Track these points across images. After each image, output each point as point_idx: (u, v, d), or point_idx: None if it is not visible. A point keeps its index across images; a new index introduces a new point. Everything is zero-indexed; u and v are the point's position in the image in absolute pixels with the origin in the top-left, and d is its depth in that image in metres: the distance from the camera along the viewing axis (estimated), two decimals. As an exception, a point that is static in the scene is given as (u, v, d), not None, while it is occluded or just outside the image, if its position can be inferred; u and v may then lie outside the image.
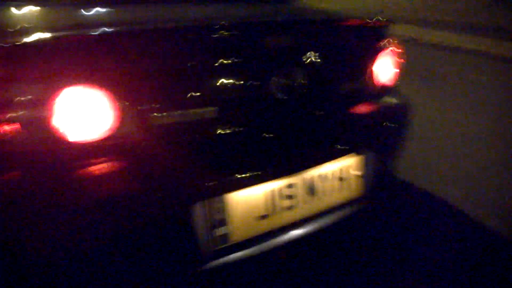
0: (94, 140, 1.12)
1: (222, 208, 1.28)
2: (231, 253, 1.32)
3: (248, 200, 1.32)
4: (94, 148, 1.12)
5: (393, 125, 1.73)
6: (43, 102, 1.06)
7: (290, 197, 1.41)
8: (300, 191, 1.43)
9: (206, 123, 1.26)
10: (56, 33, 1.10)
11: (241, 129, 1.33)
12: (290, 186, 1.41)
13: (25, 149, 1.08)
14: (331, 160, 1.49)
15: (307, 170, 1.43)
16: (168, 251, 1.24)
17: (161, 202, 1.18)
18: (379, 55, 1.70)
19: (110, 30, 1.16)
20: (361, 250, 1.74)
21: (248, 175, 1.30)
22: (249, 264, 1.37)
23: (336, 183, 1.53)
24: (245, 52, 1.32)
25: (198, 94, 1.23)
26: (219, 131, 1.29)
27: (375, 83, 1.72)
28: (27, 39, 1.07)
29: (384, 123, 1.70)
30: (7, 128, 1.06)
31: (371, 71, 1.69)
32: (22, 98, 1.06)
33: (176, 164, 1.21)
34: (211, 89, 1.26)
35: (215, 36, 1.26)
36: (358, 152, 1.57)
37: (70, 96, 1.08)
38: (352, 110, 1.63)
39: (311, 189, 1.46)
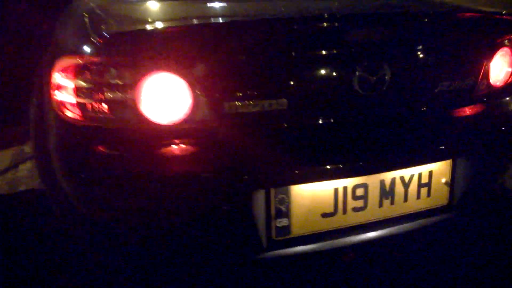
0: (172, 123, 1.18)
1: (286, 199, 1.25)
2: (291, 246, 1.29)
3: (315, 195, 1.27)
4: (171, 130, 1.19)
5: (499, 130, 1.50)
6: (132, 85, 1.14)
7: (361, 197, 1.32)
8: (374, 193, 1.33)
9: (280, 114, 1.23)
10: (147, 25, 1.21)
11: (316, 122, 1.27)
12: (363, 186, 1.32)
13: (113, 126, 1.19)
14: (414, 165, 1.35)
15: (385, 172, 1.32)
16: (228, 234, 1.26)
17: (226, 185, 1.20)
18: (495, 52, 1.48)
19: (193, 23, 1.22)
20: (436, 266, 1.57)
21: (317, 169, 1.25)
22: (308, 260, 1.33)
23: (418, 188, 1.39)
24: (332, 45, 1.25)
25: (276, 86, 1.22)
26: (292, 123, 1.25)
27: (485, 83, 1.50)
28: (122, 29, 1.18)
29: (488, 128, 1.49)
30: (99, 106, 1.17)
31: (482, 71, 1.48)
32: (115, 81, 1.16)
33: (244, 151, 1.22)
34: (290, 80, 1.23)
35: (300, 28, 1.23)
36: (448, 158, 1.40)
37: (155, 82, 1.15)
38: (448, 112, 1.45)
39: (387, 193, 1.35)
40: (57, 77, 1.22)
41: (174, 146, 1.19)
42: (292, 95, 1.22)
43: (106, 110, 1.17)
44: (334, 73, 1.25)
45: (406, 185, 1.37)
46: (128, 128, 1.19)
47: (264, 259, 1.28)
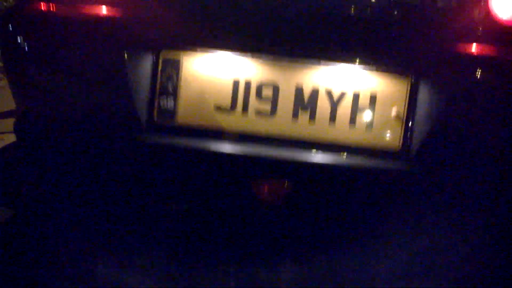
0: None
1: (174, 75, 1.10)
2: (174, 135, 1.12)
3: (209, 80, 1.09)
4: None
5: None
6: None
7: (268, 99, 1.10)
8: (285, 98, 1.09)
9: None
10: None
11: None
12: (271, 85, 1.09)
13: None
14: (341, 61, 1.07)
15: (295, 62, 1.07)
16: (113, 100, 1.13)
17: (115, 40, 1.10)
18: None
19: None
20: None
21: (214, 34, 1.08)
22: (194, 160, 1.13)
23: (352, 112, 1.10)
24: None
25: None
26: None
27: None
28: None
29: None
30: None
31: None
32: None
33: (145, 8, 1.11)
34: None
35: None
36: (403, 72, 1.07)
37: None
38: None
39: (304, 103, 1.09)
40: None
41: None
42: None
43: None
44: None
45: (333, 102, 1.09)
46: None
47: (142, 143, 1.13)
